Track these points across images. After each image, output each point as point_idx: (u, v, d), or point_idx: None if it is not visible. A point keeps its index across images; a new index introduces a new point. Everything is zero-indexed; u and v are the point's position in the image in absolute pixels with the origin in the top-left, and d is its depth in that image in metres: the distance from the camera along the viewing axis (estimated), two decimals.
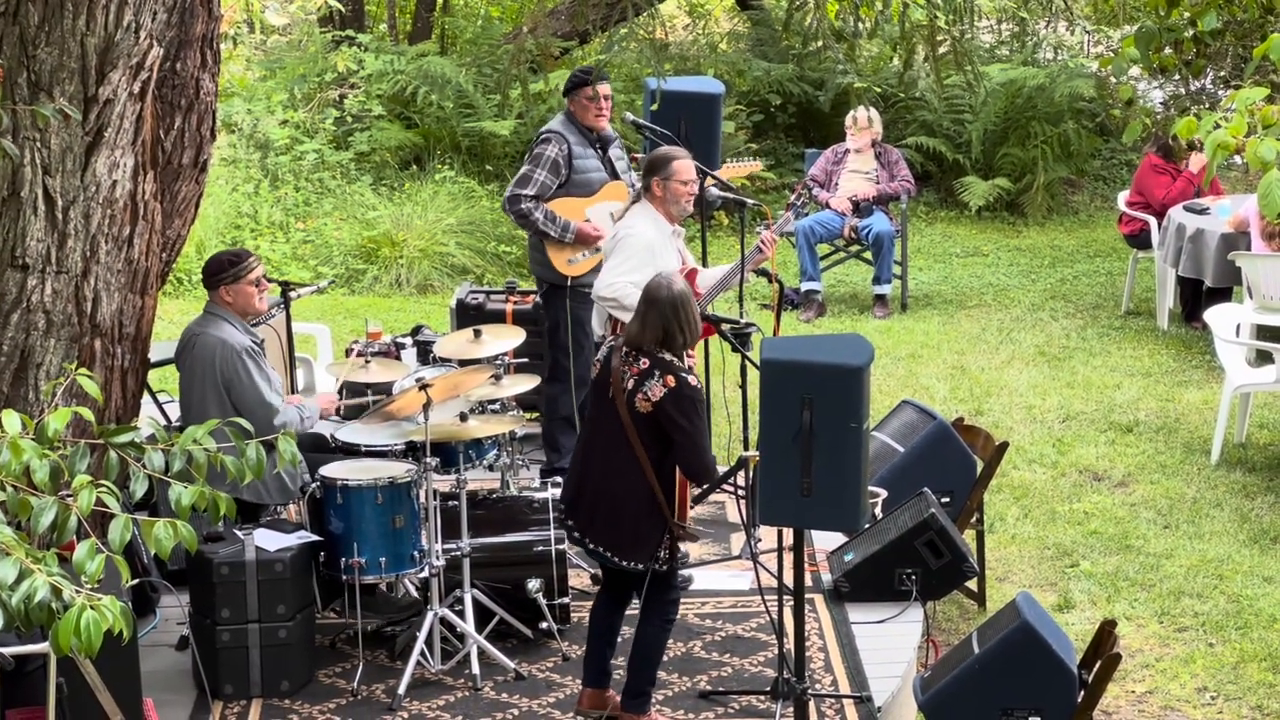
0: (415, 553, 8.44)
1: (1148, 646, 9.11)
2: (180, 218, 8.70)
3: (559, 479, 9.18)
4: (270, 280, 8.99)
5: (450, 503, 8.60)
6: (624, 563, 7.71)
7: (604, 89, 10.24)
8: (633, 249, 9.20)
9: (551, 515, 8.75)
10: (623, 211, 9.62)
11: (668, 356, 7.63)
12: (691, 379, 7.61)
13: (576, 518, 7.82)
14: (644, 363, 7.61)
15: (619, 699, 7.96)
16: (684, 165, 9.35)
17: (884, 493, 9.47)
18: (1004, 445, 9.50)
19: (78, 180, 7.84)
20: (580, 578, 9.34)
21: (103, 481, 5.45)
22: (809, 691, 7.71)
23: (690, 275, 9.38)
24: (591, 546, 7.77)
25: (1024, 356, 13.54)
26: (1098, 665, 7.56)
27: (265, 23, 19.83)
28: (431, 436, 8.35)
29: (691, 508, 7.94)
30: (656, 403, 7.54)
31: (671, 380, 7.55)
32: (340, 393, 10.01)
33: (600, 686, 8.00)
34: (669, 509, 7.67)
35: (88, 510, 5.36)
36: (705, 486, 7.92)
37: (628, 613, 8.06)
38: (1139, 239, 14.54)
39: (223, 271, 8.66)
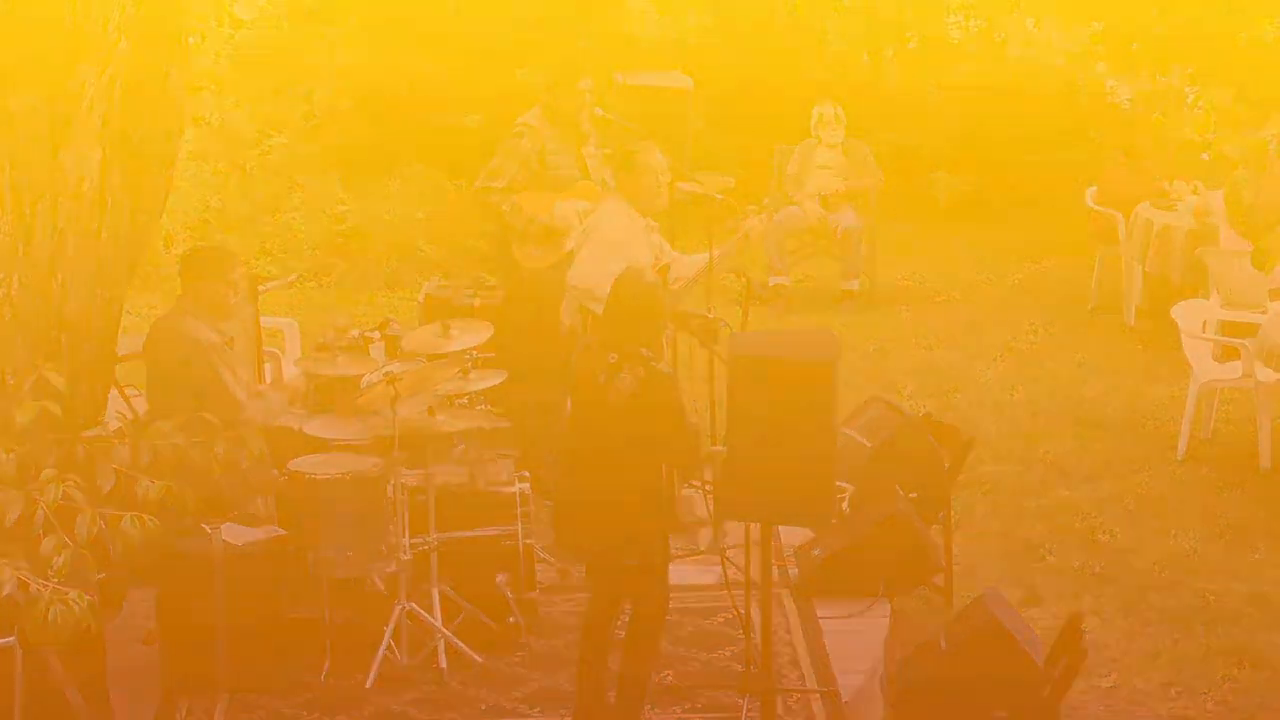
0: (383, 547, 8.43)
1: (1114, 641, 9.14)
2: (147, 211, 8.67)
3: (527, 473, 9.19)
4: None
5: (418, 497, 8.59)
6: (624, 560, 7.63)
7: (589, 84, 10.27)
8: (604, 240, 9.22)
9: (519, 510, 8.75)
10: (595, 206, 9.64)
11: (636, 349, 7.60)
12: (661, 366, 7.58)
13: (572, 525, 7.77)
14: (612, 358, 7.58)
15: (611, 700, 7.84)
16: (649, 159, 9.36)
17: (851, 487, 9.48)
18: (971, 440, 9.52)
19: (45, 173, 7.81)
20: (547, 572, 9.34)
21: (70, 475, 5.44)
22: (775, 686, 7.72)
23: (663, 270, 9.39)
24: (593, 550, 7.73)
25: (992, 352, 13.56)
26: (1064, 660, 7.58)
27: (234, 16, 19.77)
28: (400, 431, 8.34)
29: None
30: (629, 395, 7.50)
31: (641, 370, 7.52)
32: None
33: (598, 714, 7.82)
34: (659, 501, 7.62)
35: (55, 504, 5.35)
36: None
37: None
38: (1106, 235, 14.56)
39: (203, 268, 8.65)
